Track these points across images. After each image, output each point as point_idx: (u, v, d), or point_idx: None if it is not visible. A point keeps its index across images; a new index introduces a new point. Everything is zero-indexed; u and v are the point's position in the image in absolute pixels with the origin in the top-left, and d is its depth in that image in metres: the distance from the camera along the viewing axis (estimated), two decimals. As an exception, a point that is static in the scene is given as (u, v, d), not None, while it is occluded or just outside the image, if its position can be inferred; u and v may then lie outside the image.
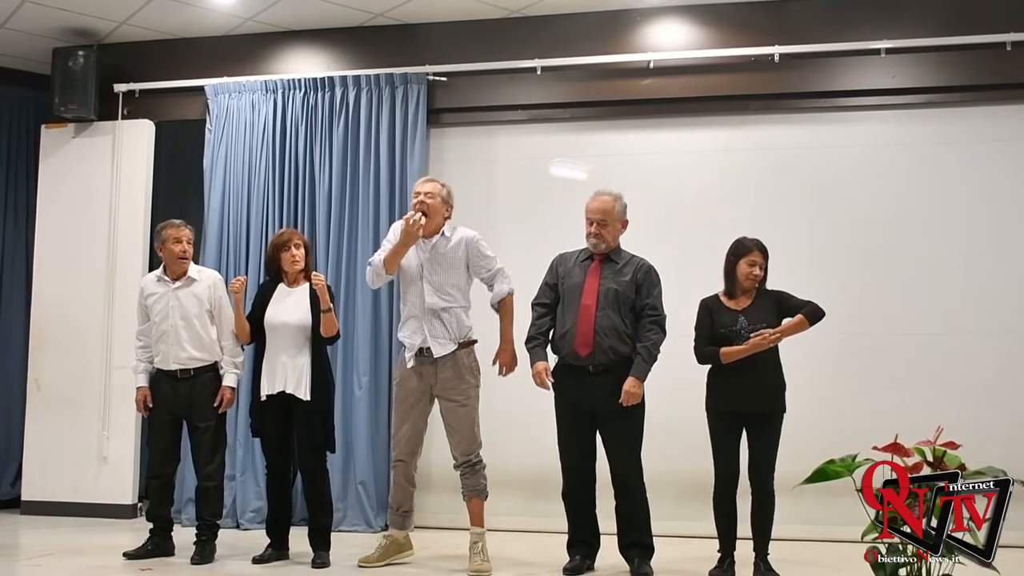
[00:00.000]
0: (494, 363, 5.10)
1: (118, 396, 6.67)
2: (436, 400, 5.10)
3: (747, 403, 4.74)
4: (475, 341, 5.14)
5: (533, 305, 5.08)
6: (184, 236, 5.37)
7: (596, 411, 4.87)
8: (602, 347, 4.85)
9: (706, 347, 4.83)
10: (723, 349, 4.76)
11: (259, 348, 5.28)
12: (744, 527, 4.80)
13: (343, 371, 6.38)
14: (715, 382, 4.84)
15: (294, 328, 5.15)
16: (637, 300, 4.93)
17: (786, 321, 4.78)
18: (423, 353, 5.03)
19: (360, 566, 5.10)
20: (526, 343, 5.00)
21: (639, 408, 4.88)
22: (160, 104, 7.02)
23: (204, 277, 5.44)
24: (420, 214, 4.95)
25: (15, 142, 7.52)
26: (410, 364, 5.05)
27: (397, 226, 5.15)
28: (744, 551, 4.80)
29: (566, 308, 4.96)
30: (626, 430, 4.88)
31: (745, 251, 4.84)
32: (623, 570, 4.91)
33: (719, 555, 4.83)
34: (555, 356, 5.02)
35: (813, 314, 4.76)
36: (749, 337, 4.71)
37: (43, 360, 6.94)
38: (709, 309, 4.89)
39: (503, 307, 5.10)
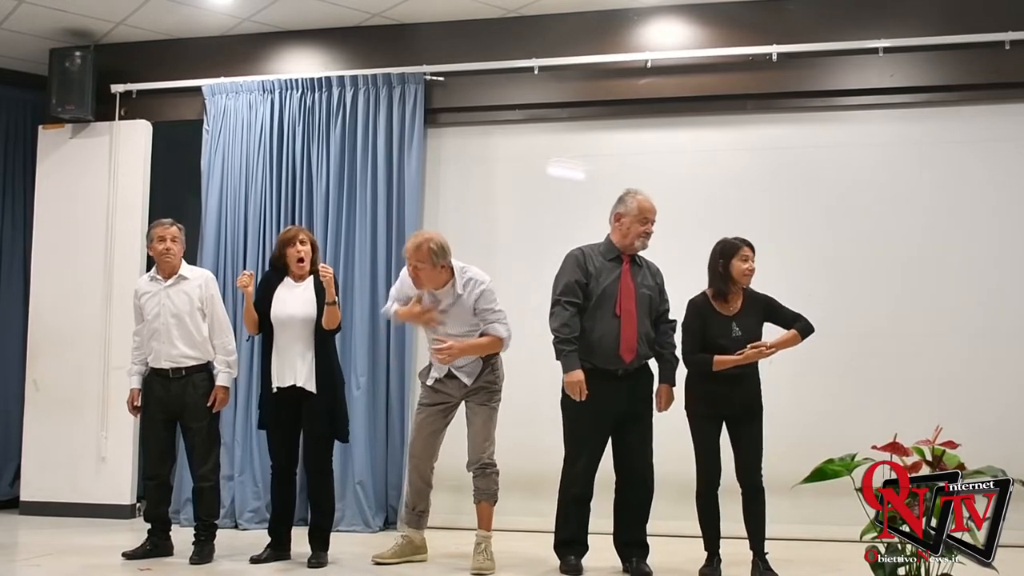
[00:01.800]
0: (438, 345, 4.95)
1: (116, 397, 6.63)
2: (462, 403, 5.15)
3: (731, 404, 4.78)
4: None
5: (563, 302, 4.82)
6: (168, 234, 5.36)
7: (622, 414, 4.86)
8: (639, 353, 4.84)
9: (697, 353, 4.82)
10: (716, 357, 4.75)
11: (267, 340, 5.27)
12: (735, 525, 4.83)
13: (341, 371, 6.37)
14: (698, 385, 4.85)
15: (301, 322, 5.16)
16: (660, 305, 4.96)
17: (781, 335, 4.83)
18: (451, 373, 5.11)
19: (375, 562, 5.16)
20: (559, 343, 4.81)
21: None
22: (157, 104, 7.02)
23: (195, 276, 5.45)
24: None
25: (12, 143, 7.50)
26: (441, 375, 5.12)
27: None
28: (739, 550, 4.81)
29: (601, 310, 4.82)
30: (646, 430, 4.93)
31: (735, 250, 4.83)
32: (617, 568, 4.93)
33: (706, 554, 4.86)
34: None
35: (805, 330, 4.84)
36: (744, 347, 4.72)
37: (41, 361, 6.93)
38: (701, 313, 4.85)
39: (491, 338, 5.00)
